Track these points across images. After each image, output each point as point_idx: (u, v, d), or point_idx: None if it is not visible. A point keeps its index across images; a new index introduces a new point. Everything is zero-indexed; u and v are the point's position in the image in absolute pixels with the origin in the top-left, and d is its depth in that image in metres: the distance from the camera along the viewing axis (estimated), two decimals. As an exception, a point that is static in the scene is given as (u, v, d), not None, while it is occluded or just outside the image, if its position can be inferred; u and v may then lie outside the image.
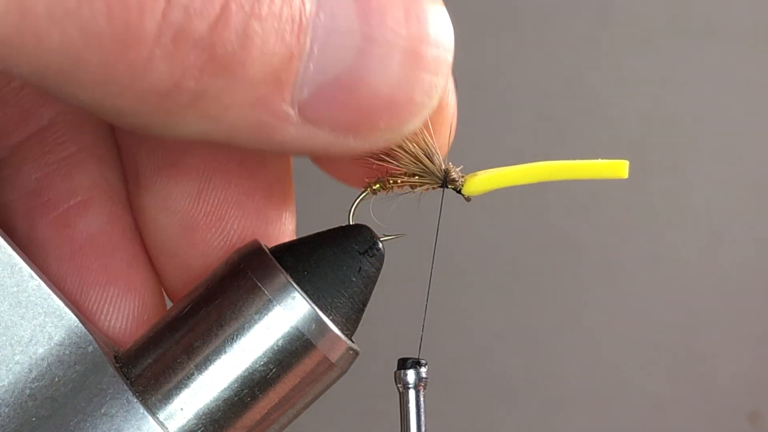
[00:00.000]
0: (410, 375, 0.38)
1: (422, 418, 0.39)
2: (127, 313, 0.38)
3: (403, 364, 0.38)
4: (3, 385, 0.34)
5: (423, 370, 0.38)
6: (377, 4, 0.32)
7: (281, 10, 0.30)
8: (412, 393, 0.38)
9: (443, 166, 0.35)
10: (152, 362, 0.35)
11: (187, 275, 0.39)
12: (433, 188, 0.36)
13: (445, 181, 0.36)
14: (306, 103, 0.32)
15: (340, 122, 0.32)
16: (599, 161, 0.36)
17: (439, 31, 0.33)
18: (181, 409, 0.34)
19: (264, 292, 0.34)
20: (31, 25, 0.28)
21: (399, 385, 0.38)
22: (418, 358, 0.38)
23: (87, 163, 0.39)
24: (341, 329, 0.35)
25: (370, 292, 0.36)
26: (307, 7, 0.31)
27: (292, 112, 0.32)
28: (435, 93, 0.34)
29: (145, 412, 0.34)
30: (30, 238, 0.38)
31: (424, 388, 0.39)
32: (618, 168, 0.36)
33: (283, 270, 0.35)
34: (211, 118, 0.31)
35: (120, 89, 0.30)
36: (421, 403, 0.39)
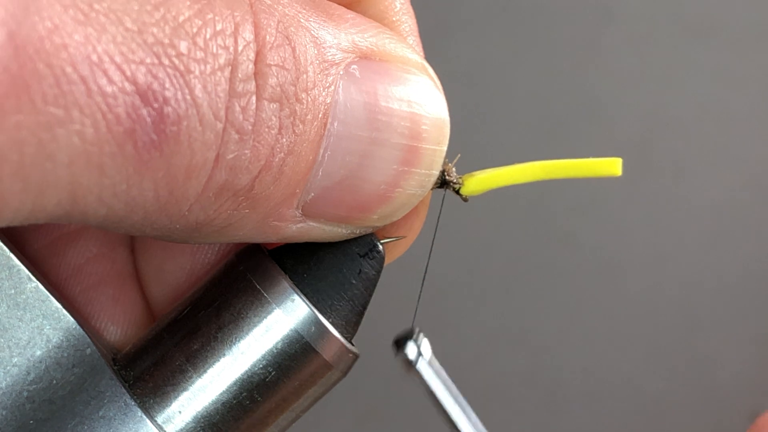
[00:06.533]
0: (409, 349, 0.36)
1: (452, 387, 0.37)
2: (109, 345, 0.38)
3: (398, 342, 0.36)
4: (0, 388, 0.33)
5: (419, 340, 0.36)
6: (386, 107, 0.32)
7: (310, 133, 0.31)
8: (422, 364, 0.36)
9: (441, 167, 0.35)
10: (150, 365, 0.35)
11: None
12: (431, 189, 0.36)
13: (444, 181, 0.36)
14: (308, 203, 0.32)
15: (337, 216, 0.33)
16: (593, 159, 0.36)
17: (440, 125, 0.34)
18: (180, 412, 0.34)
19: (263, 294, 0.34)
20: (80, 209, 0.28)
21: (406, 370, 0.36)
22: (410, 330, 0.36)
23: None
24: (341, 332, 0.35)
25: (371, 295, 0.36)
26: (329, 120, 0.31)
27: (297, 214, 0.32)
28: (428, 184, 0.34)
29: (143, 415, 0.34)
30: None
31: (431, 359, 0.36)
32: (611, 166, 0.36)
33: (282, 272, 0.35)
34: (230, 236, 0.32)
35: (152, 230, 0.30)
36: (440, 371, 0.36)
